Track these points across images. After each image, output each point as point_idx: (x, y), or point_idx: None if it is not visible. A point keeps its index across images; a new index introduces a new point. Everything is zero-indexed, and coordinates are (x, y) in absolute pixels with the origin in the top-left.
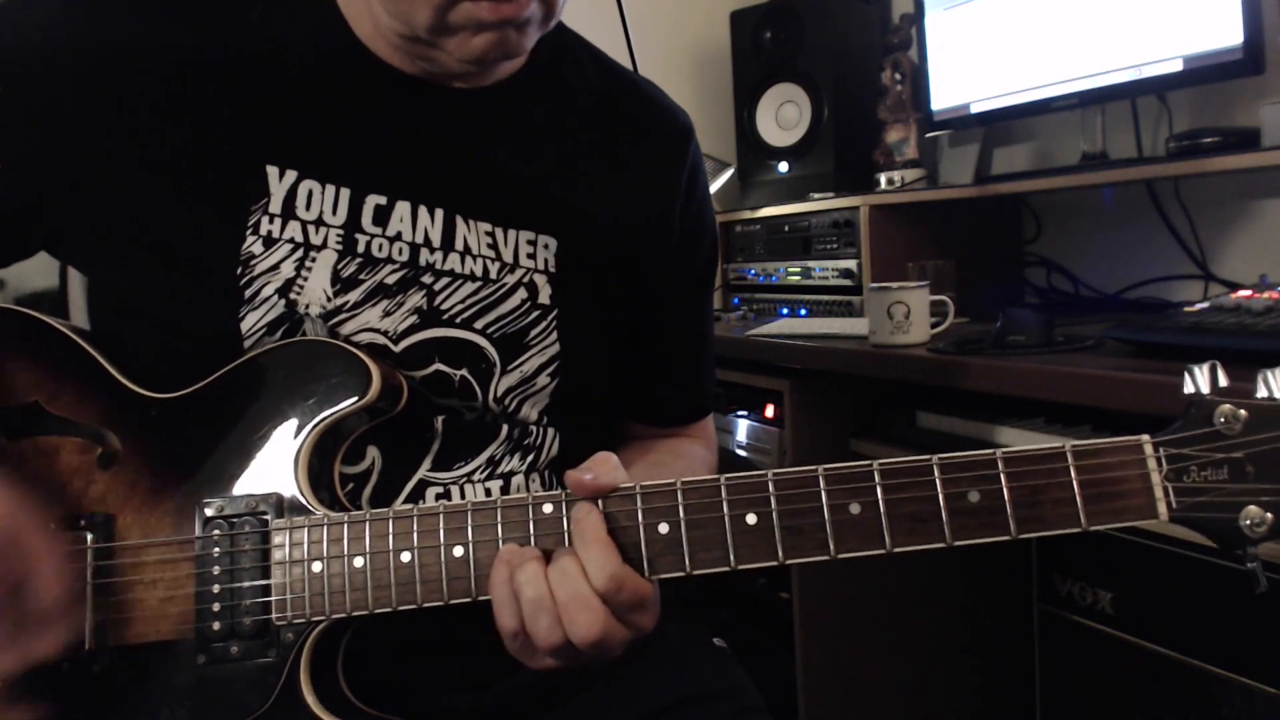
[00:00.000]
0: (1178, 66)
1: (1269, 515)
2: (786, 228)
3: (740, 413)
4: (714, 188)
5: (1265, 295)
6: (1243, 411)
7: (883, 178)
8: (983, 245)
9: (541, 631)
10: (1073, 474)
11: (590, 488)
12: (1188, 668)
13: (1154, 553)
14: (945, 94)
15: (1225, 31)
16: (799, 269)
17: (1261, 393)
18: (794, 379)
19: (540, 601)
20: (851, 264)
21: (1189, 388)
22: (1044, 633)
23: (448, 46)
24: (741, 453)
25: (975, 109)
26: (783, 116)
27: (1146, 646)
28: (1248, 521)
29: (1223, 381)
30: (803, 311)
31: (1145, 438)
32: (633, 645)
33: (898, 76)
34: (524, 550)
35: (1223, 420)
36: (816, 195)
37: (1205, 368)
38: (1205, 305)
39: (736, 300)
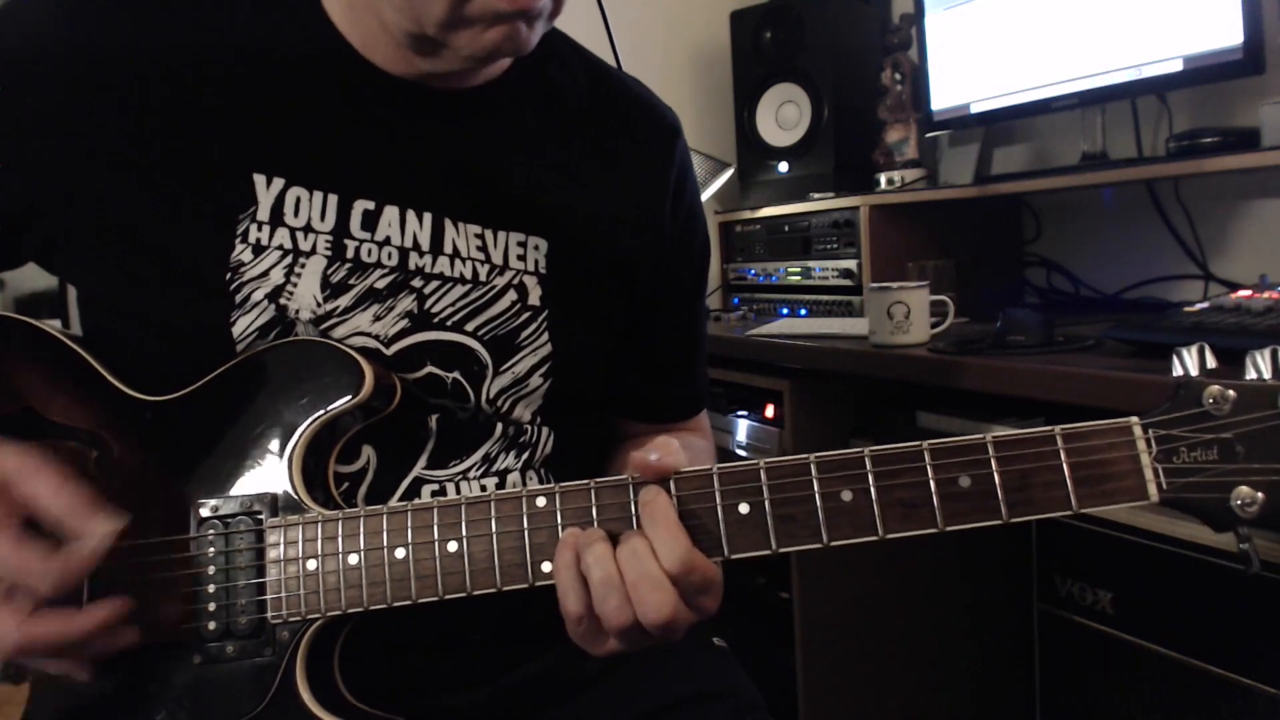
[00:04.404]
0: (1178, 66)
1: (1260, 495)
2: (786, 228)
3: (740, 413)
4: (714, 188)
5: (1265, 295)
6: (1231, 392)
7: (883, 178)
8: (983, 245)
9: (611, 612)
10: (1063, 457)
11: (655, 468)
12: (1188, 668)
13: (1154, 553)
14: (945, 94)
15: (1225, 31)
16: (799, 269)
17: (1250, 374)
18: (794, 379)
19: (609, 581)
20: (851, 264)
21: (1177, 370)
22: (1044, 632)
23: (457, 42)
24: (741, 453)
25: (975, 109)
26: (783, 116)
27: (1146, 646)
28: (1239, 501)
29: (1211, 363)
30: (803, 311)
31: (1134, 419)
32: (696, 628)
33: (898, 76)
34: (589, 532)
35: (1211, 401)
36: (816, 195)
37: (1194, 350)
38: (1205, 305)
39: (736, 300)
